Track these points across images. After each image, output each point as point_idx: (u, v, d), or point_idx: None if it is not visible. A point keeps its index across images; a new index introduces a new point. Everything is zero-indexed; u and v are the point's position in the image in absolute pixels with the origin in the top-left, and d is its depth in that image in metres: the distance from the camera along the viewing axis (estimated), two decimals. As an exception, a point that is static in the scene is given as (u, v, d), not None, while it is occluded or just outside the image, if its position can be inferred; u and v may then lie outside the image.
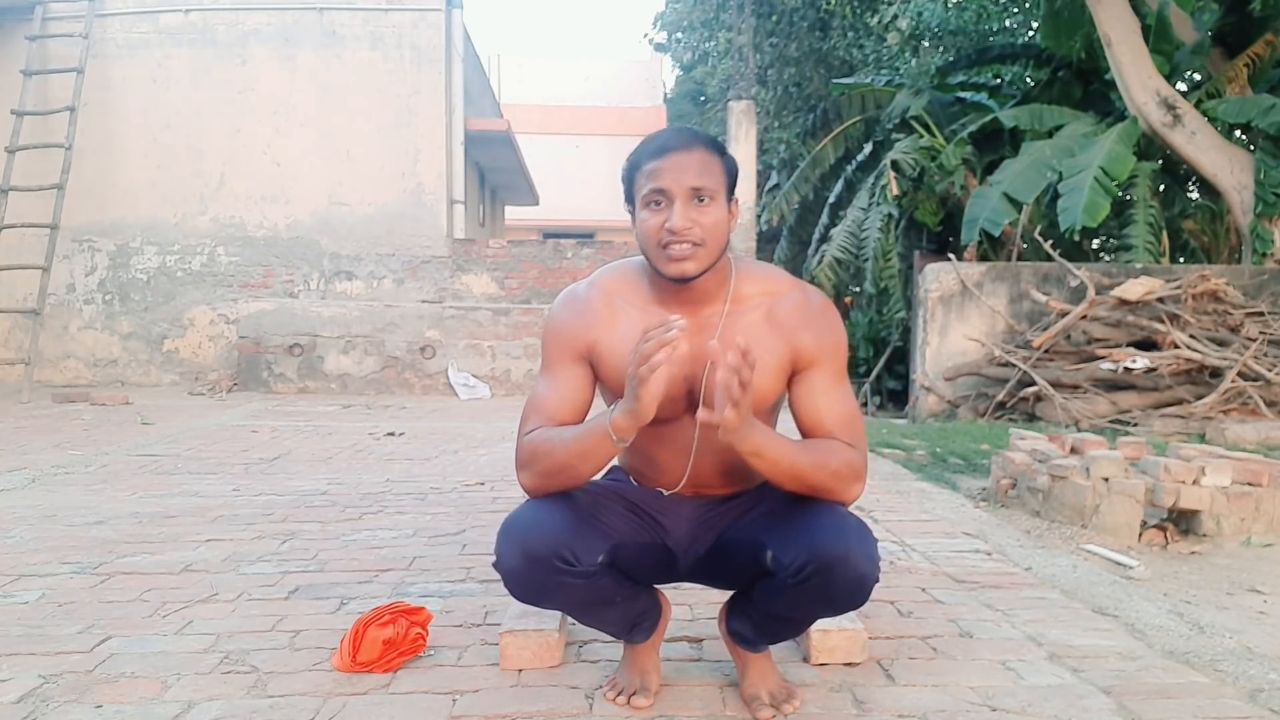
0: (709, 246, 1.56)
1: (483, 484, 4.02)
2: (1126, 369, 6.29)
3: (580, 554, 1.54)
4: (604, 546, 1.59)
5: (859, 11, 13.24)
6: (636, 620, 1.75)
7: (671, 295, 1.64)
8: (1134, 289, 6.57)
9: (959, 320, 7.26)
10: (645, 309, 1.67)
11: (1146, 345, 6.55)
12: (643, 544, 1.71)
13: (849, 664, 1.92)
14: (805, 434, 1.65)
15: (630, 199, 1.63)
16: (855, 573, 1.50)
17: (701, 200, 1.55)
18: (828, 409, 1.62)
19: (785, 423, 1.67)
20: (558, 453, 1.57)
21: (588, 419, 1.61)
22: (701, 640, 2.08)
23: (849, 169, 11.83)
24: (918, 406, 7.34)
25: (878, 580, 1.54)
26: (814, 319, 1.65)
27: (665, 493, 1.75)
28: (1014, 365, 6.70)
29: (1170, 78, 8.67)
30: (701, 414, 1.44)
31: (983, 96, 11.41)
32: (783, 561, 1.52)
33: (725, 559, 1.71)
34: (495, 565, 1.59)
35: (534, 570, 1.54)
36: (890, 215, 9.78)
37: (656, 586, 1.83)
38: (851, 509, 1.62)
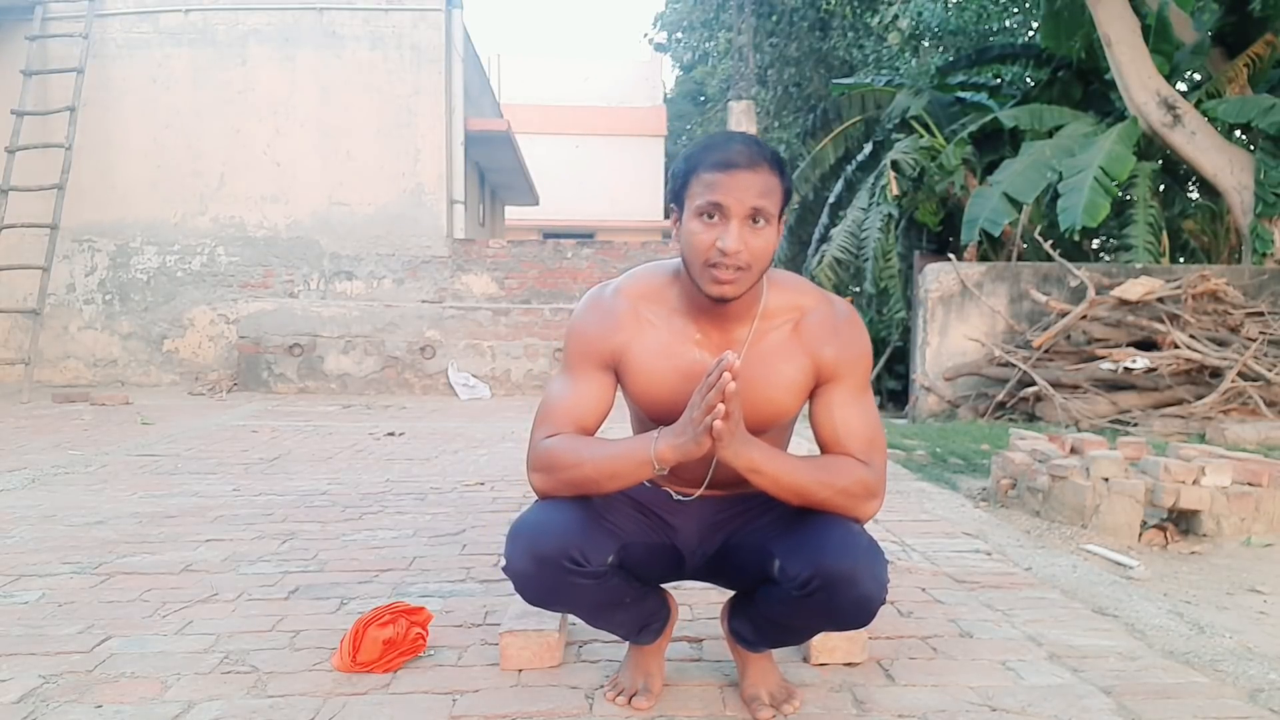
0: (754, 270, 1.53)
1: (483, 484, 4.02)
2: (1126, 369, 6.29)
3: (589, 554, 1.53)
4: (613, 546, 1.58)
5: (859, 11, 13.26)
6: (646, 621, 1.74)
7: (702, 310, 1.60)
8: (1134, 289, 6.57)
9: (959, 320, 7.26)
10: (670, 320, 1.64)
11: (1146, 345, 6.55)
12: (651, 544, 1.70)
13: (849, 664, 1.92)
14: (823, 448, 1.63)
15: (678, 200, 1.58)
16: (860, 593, 1.48)
17: (757, 222, 1.50)
18: (844, 424, 1.60)
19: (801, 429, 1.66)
20: (585, 467, 1.55)
21: (622, 438, 1.59)
22: (701, 640, 2.08)
23: (849, 169, 11.82)
24: (918, 406, 7.34)
25: (884, 602, 1.52)
26: (839, 332, 1.63)
27: (676, 496, 1.74)
28: (1014, 365, 6.70)
29: (1170, 78, 8.67)
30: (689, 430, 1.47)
31: (983, 96, 11.41)
32: (788, 572, 1.51)
33: (732, 561, 1.71)
34: (504, 569, 1.57)
35: (544, 572, 1.53)
36: (890, 215, 9.77)
37: (664, 588, 1.82)
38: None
